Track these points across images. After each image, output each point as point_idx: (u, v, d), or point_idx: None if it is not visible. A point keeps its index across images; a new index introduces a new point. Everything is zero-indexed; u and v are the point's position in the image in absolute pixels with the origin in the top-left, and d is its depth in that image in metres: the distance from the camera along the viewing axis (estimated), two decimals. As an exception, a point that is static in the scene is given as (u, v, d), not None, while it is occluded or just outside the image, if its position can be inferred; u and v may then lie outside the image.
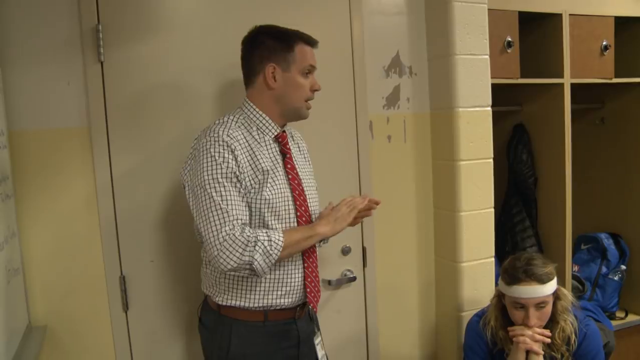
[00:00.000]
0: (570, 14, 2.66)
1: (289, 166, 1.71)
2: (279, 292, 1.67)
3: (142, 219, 1.96)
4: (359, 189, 2.30)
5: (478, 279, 2.38)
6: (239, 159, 1.57)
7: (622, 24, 2.86)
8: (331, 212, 1.71)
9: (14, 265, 1.65)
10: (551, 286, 1.90)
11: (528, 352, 1.91)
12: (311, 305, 1.73)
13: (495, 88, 2.38)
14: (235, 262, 1.49)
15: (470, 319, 2.15)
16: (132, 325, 1.98)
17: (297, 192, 1.69)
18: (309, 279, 1.72)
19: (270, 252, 1.53)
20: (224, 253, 1.49)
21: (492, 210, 2.40)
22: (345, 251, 2.30)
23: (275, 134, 1.71)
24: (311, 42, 1.72)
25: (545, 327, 1.93)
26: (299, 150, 1.86)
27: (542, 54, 2.75)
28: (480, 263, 2.38)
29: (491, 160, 2.38)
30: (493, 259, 2.42)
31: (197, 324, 1.81)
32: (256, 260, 1.51)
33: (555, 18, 2.66)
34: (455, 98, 2.28)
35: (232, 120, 1.66)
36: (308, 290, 1.71)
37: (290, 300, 1.69)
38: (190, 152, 1.64)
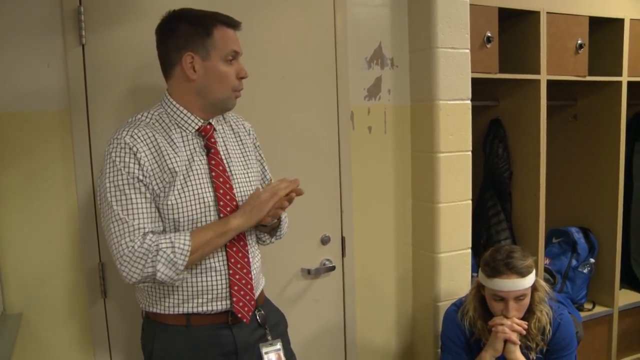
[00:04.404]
0: (547, 12, 2.70)
1: (213, 162, 1.55)
2: (200, 300, 1.54)
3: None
4: (340, 179, 2.31)
5: (455, 270, 2.41)
6: (142, 161, 1.45)
7: (596, 24, 2.92)
8: (249, 200, 1.55)
9: (-10, 250, 1.61)
10: (531, 279, 1.94)
11: (505, 342, 1.95)
12: (240, 315, 1.56)
13: (473, 83, 2.41)
14: (138, 274, 1.41)
15: (447, 309, 2.18)
16: (111, 312, 1.95)
17: (221, 190, 1.53)
18: (235, 287, 1.56)
19: (175, 260, 1.42)
20: (126, 267, 1.41)
21: (470, 202, 2.43)
22: (325, 240, 2.30)
23: (197, 127, 1.56)
24: (232, 24, 1.54)
25: (522, 318, 1.97)
26: (239, 142, 1.69)
27: (519, 50, 2.79)
28: (458, 254, 2.41)
29: (470, 153, 2.41)
30: (470, 251, 2.46)
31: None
32: (159, 271, 1.41)
33: (533, 15, 2.70)
34: (435, 90, 2.30)
35: (145, 117, 1.54)
36: (235, 299, 1.55)
37: (214, 307, 1.55)
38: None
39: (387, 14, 2.37)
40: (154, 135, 1.50)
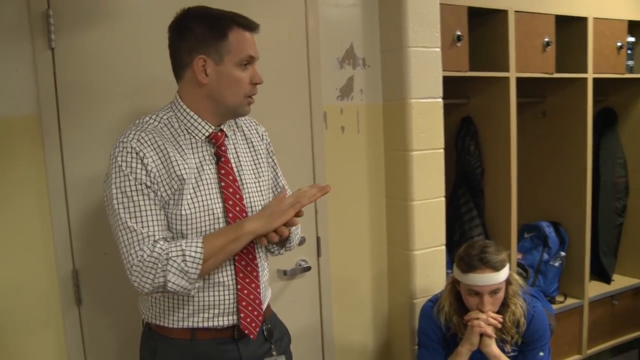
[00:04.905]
0: (515, 11, 2.75)
1: (222, 172, 1.49)
2: (206, 315, 1.48)
3: (96, 211, 1.90)
4: (314, 180, 2.31)
5: (430, 267, 2.44)
6: (149, 167, 1.38)
7: (562, 22, 2.98)
8: (271, 204, 1.48)
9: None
10: (505, 273, 1.97)
11: (481, 335, 1.98)
12: (247, 331, 1.50)
13: (444, 81, 2.44)
14: (150, 284, 1.35)
15: (423, 305, 2.21)
16: (85, 319, 1.92)
17: (230, 202, 1.47)
18: (243, 303, 1.50)
19: (187, 269, 1.35)
20: (137, 277, 1.35)
21: (443, 199, 2.46)
22: (300, 241, 2.30)
23: (207, 134, 1.49)
24: (250, 27, 1.47)
25: (497, 312, 2.00)
26: (250, 149, 1.63)
27: (489, 48, 2.83)
28: (432, 251, 2.44)
29: (442, 151, 2.43)
30: (444, 247, 2.49)
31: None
32: (170, 281, 1.34)
33: (502, 14, 2.74)
34: (407, 89, 2.32)
35: (153, 120, 1.47)
36: (242, 315, 1.50)
37: (221, 322, 1.50)
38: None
39: (358, 14, 2.38)
40: (161, 141, 1.43)
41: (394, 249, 2.50)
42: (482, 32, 2.84)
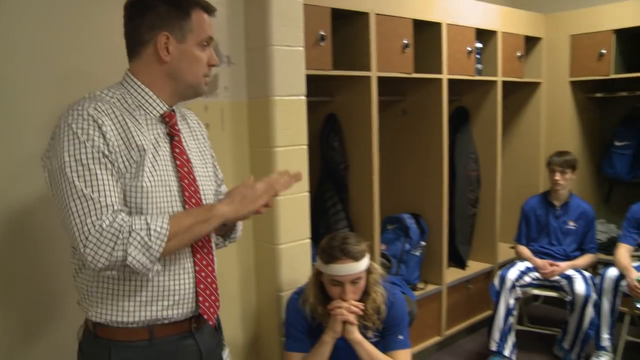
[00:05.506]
0: (376, 14, 2.88)
1: (177, 150, 1.45)
2: (165, 303, 1.40)
3: None
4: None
5: (296, 260, 2.51)
6: (107, 135, 1.30)
7: (420, 26, 3.17)
8: (241, 189, 1.46)
9: None
10: (365, 262, 2.08)
11: (344, 323, 2.07)
12: (205, 316, 1.46)
13: (309, 79, 2.51)
14: (105, 259, 1.24)
15: (289, 297, 2.27)
16: None
17: (186, 181, 1.44)
18: (201, 286, 1.45)
19: (150, 244, 1.26)
20: (92, 250, 1.23)
21: (307, 194, 2.53)
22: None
23: (161, 112, 1.45)
24: (209, 9, 1.48)
25: (359, 300, 2.10)
26: (193, 136, 1.60)
27: (352, 48, 2.94)
28: (298, 244, 2.51)
29: (306, 147, 2.50)
30: (309, 240, 2.56)
31: (77, 352, 1.51)
32: (130, 255, 1.25)
33: (363, 16, 2.86)
34: (271, 87, 2.36)
35: (106, 94, 1.41)
36: (201, 299, 1.44)
37: (180, 311, 1.43)
38: (52, 131, 1.35)
39: (223, 12, 2.38)
40: (119, 111, 1.37)
41: (260, 244, 2.54)
42: (346, 33, 2.95)
